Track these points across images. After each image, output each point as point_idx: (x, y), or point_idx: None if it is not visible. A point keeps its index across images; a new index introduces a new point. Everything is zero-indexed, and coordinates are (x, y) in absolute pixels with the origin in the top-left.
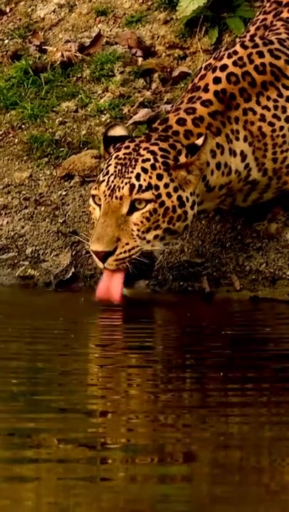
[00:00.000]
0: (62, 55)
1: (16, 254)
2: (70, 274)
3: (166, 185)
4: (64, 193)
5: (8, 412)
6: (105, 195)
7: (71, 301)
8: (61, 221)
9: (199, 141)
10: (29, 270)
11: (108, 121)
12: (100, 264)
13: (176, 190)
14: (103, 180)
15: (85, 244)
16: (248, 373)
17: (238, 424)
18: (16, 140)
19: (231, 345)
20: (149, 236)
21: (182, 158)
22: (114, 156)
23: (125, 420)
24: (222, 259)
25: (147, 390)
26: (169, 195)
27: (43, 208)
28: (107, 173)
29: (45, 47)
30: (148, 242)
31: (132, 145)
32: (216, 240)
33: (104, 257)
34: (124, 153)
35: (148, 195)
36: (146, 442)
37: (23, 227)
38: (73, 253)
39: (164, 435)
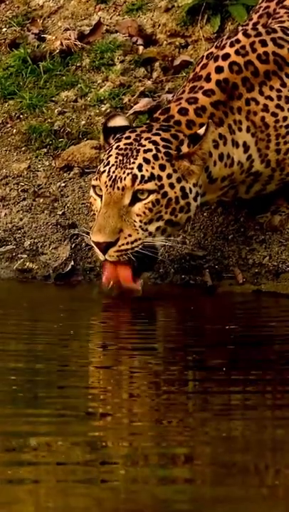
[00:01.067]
0: (62, 44)
1: (14, 246)
2: (70, 267)
3: (168, 176)
4: (63, 184)
5: (6, 414)
6: (107, 186)
7: (71, 294)
8: (60, 213)
9: (201, 131)
10: (27, 263)
11: (108, 111)
12: (101, 256)
13: (179, 180)
14: (104, 171)
15: (85, 237)
16: (251, 373)
17: (242, 426)
18: (14, 130)
19: (235, 343)
20: (151, 227)
21: (184, 149)
22: (114, 147)
23: (126, 423)
24: (224, 252)
25: (150, 391)
26: (171, 185)
27: (41, 200)
28: (108, 163)
29: (44, 35)
30: (150, 233)
31: (132, 135)
32: (219, 233)
33: (105, 248)
34: (125, 144)
35: (151, 185)
36: (149, 445)
37: (21, 220)
38: (73, 246)
39: (166, 438)
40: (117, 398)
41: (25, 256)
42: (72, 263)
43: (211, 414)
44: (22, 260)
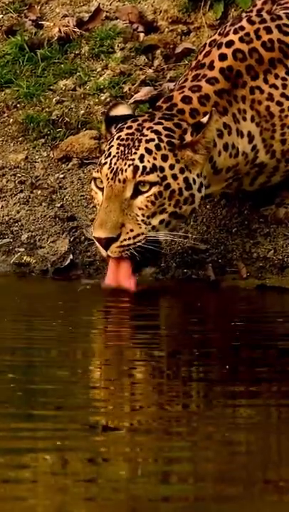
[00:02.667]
0: (60, 31)
1: (11, 240)
2: (68, 261)
3: (171, 167)
4: (61, 175)
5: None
6: (108, 179)
7: (70, 289)
8: (58, 205)
9: (204, 119)
10: (25, 257)
11: (108, 100)
12: (104, 252)
13: (182, 171)
14: (105, 163)
15: (84, 230)
16: (256, 372)
17: (248, 441)
18: (11, 120)
19: (240, 338)
20: (154, 221)
21: (188, 138)
22: (116, 137)
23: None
24: (228, 245)
25: (153, 398)
26: (174, 176)
27: (39, 192)
28: (109, 154)
29: (42, 22)
30: (153, 227)
31: (134, 125)
32: (222, 226)
33: (107, 243)
34: (126, 134)
35: (153, 177)
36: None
37: (18, 212)
38: (71, 239)
39: (167, 449)
40: (120, 410)
41: (23, 250)
42: (71, 257)
43: (216, 427)
44: (19, 254)
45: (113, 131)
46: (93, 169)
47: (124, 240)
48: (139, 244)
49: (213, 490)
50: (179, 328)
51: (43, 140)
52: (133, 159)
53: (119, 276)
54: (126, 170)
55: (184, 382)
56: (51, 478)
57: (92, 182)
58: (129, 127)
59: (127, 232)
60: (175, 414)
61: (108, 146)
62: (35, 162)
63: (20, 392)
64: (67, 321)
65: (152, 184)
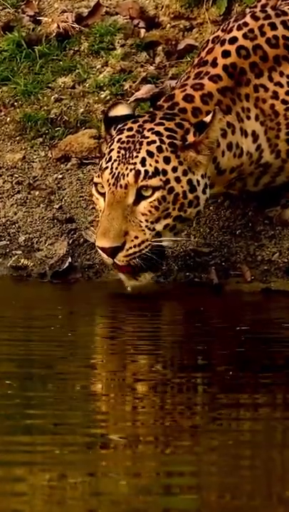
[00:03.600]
0: (59, 27)
1: (8, 242)
2: (67, 264)
3: (174, 169)
4: (60, 176)
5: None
6: (109, 184)
7: (68, 294)
8: (57, 207)
9: (207, 118)
10: (22, 260)
11: (108, 98)
12: (108, 260)
13: (185, 173)
14: (106, 167)
15: (83, 232)
16: (261, 377)
17: (252, 456)
18: (8, 119)
19: (245, 345)
20: (159, 226)
21: (190, 138)
22: (116, 140)
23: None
24: (231, 248)
25: (154, 405)
26: (178, 179)
27: (37, 193)
28: (110, 159)
29: (40, 17)
30: (157, 233)
31: (135, 126)
32: (225, 228)
33: (112, 252)
34: (127, 136)
35: (155, 181)
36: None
37: (15, 214)
38: (70, 241)
39: (169, 462)
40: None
41: (20, 252)
42: (70, 260)
43: (219, 440)
44: (16, 257)
45: (113, 132)
46: (93, 169)
47: (130, 248)
48: (144, 251)
49: (216, 503)
50: (181, 335)
51: (41, 139)
52: (134, 163)
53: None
54: (127, 175)
55: (187, 392)
56: (49, 491)
57: (93, 187)
58: (130, 129)
59: (132, 240)
60: (178, 426)
61: (108, 150)
62: (33, 162)
63: (16, 403)
64: (66, 328)
65: (155, 188)
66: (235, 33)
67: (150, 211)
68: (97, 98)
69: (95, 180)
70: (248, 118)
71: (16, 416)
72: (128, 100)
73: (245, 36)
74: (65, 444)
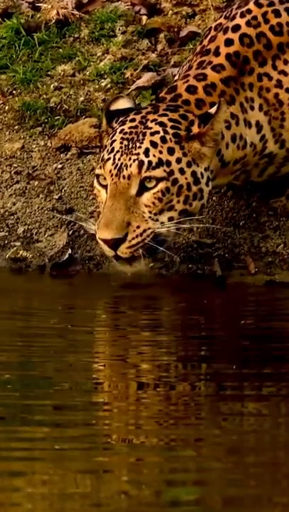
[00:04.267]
0: (58, 13)
1: (7, 233)
2: (67, 256)
3: (178, 160)
4: (60, 166)
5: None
6: (112, 175)
7: (68, 286)
8: (56, 197)
9: (212, 110)
10: (21, 252)
11: (108, 86)
12: (110, 252)
13: (189, 165)
14: (108, 159)
15: (84, 225)
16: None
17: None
18: (7, 107)
19: (250, 338)
20: (163, 218)
21: (195, 129)
22: (118, 131)
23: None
24: (235, 239)
25: (156, 410)
26: (182, 171)
27: (36, 183)
28: (112, 150)
29: (39, 4)
30: (162, 223)
31: (138, 117)
32: (229, 218)
33: (114, 244)
34: (130, 127)
35: (159, 172)
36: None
37: (14, 204)
38: (70, 233)
39: (173, 458)
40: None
41: (19, 244)
42: (70, 251)
43: (224, 453)
44: (15, 248)
45: (115, 125)
46: (93, 159)
47: (133, 238)
48: (147, 240)
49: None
50: (183, 328)
51: (40, 128)
52: (138, 154)
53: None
54: (130, 165)
55: (191, 388)
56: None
57: (95, 179)
58: (132, 120)
59: (134, 230)
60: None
61: (110, 141)
62: (32, 152)
63: (15, 403)
64: (66, 321)
65: (159, 179)
66: (238, 20)
67: (154, 203)
68: (97, 86)
69: (97, 171)
70: (252, 108)
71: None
72: (129, 88)
73: (248, 24)
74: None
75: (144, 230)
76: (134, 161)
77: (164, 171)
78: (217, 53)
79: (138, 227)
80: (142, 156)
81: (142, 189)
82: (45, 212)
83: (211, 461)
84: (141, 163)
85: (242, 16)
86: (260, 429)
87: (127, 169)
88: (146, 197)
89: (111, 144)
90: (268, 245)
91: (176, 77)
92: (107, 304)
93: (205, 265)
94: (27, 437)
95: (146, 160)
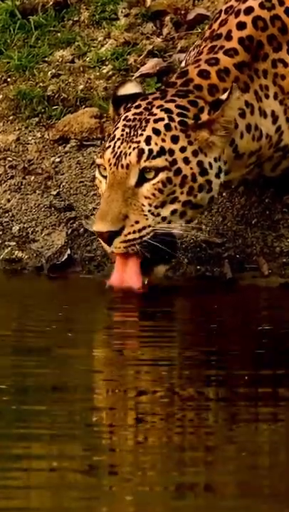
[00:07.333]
0: None
1: (1, 233)
2: (65, 256)
3: (182, 149)
4: (58, 159)
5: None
6: (110, 164)
7: (67, 289)
8: (54, 193)
9: (224, 96)
10: (16, 252)
11: (110, 73)
12: (108, 248)
13: (195, 154)
14: (109, 147)
15: (83, 221)
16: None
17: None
18: (1, 96)
19: (264, 346)
20: (165, 212)
21: (204, 117)
22: (122, 118)
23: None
24: (247, 238)
25: (157, 416)
26: (186, 160)
27: (32, 178)
28: (114, 137)
29: None
30: (163, 219)
31: (143, 103)
32: (240, 216)
33: (109, 238)
34: (133, 114)
35: (160, 161)
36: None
37: (8, 201)
38: (69, 231)
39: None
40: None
41: (14, 243)
42: (69, 252)
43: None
44: (10, 248)
45: (122, 112)
46: (94, 152)
47: (129, 233)
48: (145, 238)
49: None
50: (192, 334)
51: (36, 119)
52: (138, 142)
53: (125, 274)
54: (130, 154)
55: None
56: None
57: (96, 170)
58: (138, 106)
59: (132, 225)
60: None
61: (114, 128)
62: (28, 144)
63: (12, 411)
64: (65, 327)
65: (159, 170)
66: (250, 2)
67: (154, 194)
68: (98, 73)
69: (98, 161)
70: (267, 97)
71: None
72: (133, 76)
73: (262, 6)
74: None
75: (144, 227)
76: (133, 149)
77: (166, 160)
78: (229, 37)
79: (137, 222)
80: (143, 144)
81: (142, 180)
82: (42, 209)
83: None
84: (141, 152)
85: None
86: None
87: (126, 158)
88: (146, 188)
89: (114, 131)
90: (282, 245)
91: (182, 64)
92: (109, 312)
93: (214, 267)
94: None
95: (146, 148)
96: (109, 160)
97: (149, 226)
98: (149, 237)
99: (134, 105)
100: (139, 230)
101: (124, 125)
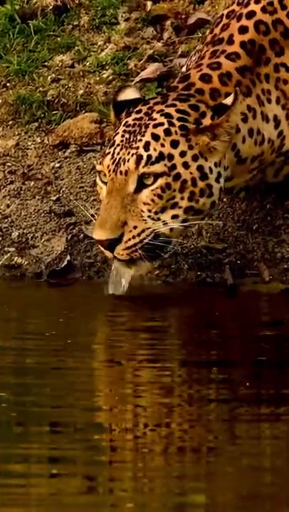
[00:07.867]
0: None
1: (0, 238)
2: (65, 262)
3: (182, 154)
4: (57, 164)
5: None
6: (110, 171)
7: (67, 295)
8: (54, 199)
9: (228, 100)
10: (15, 258)
11: (110, 78)
12: (109, 254)
13: (195, 158)
14: (108, 153)
15: (83, 227)
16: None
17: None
18: (0, 101)
19: (265, 353)
20: (165, 217)
21: (206, 121)
22: (123, 123)
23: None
24: (248, 244)
25: (160, 419)
26: (186, 165)
27: (32, 183)
28: (113, 143)
29: None
30: (164, 223)
31: (144, 108)
32: (241, 222)
33: (110, 245)
34: (134, 119)
35: (159, 167)
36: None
37: (8, 206)
38: (69, 237)
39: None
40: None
41: (13, 249)
42: (69, 258)
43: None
44: (9, 255)
45: (123, 117)
46: (94, 157)
47: (129, 239)
48: (146, 240)
49: None
50: (191, 341)
51: (36, 124)
52: (137, 147)
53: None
54: (128, 160)
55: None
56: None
57: (97, 176)
58: (139, 111)
59: (130, 231)
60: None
61: (114, 134)
62: (28, 149)
63: (12, 415)
64: (64, 334)
65: (158, 175)
66: (252, 6)
67: (153, 200)
68: (98, 78)
69: (98, 168)
70: (269, 101)
71: None
72: (133, 80)
73: (264, 10)
74: None
75: (143, 230)
76: (132, 155)
77: (165, 165)
78: (231, 41)
79: (135, 227)
80: (141, 150)
81: (141, 186)
82: (42, 215)
83: None
84: (139, 158)
85: (257, 1)
86: None
87: (124, 164)
88: (145, 194)
89: (114, 137)
90: (283, 251)
91: (183, 69)
92: (109, 320)
93: (215, 272)
94: None
95: (145, 154)
96: (108, 166)
97: (148, 228)
98: (149, 238)
99: (135, 110)
100: (139, 234)
101: (124, 131)
